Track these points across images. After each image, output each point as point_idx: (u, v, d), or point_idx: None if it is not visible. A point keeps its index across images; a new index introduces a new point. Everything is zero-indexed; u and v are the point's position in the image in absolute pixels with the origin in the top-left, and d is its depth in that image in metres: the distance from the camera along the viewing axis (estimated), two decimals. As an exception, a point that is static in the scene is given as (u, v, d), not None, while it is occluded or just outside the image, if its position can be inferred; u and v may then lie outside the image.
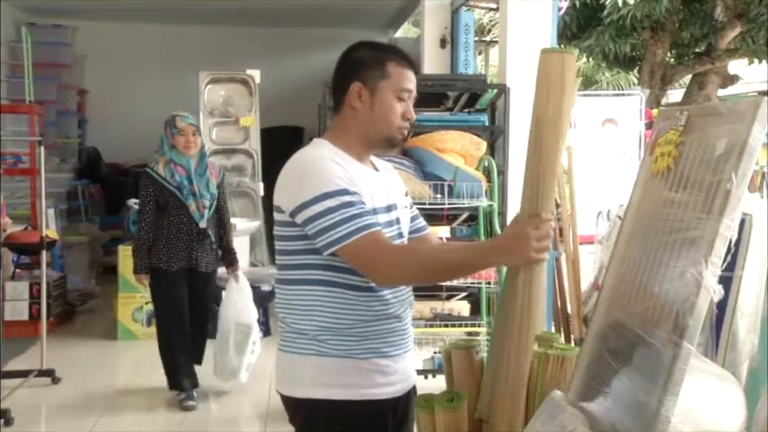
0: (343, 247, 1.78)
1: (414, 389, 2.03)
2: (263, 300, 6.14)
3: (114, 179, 9.42)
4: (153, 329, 6.03)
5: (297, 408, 1.94)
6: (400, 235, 1.99)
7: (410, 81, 1.95)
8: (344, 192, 1.80)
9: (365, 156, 1.99)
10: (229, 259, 4.76)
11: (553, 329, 3.93)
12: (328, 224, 1.78)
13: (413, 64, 1.99)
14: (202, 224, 4.48)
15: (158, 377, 4.73)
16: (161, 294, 4.59)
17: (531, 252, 1.68)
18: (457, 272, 1.97)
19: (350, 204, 1.79)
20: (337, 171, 1.83)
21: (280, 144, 8.86)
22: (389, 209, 1.96)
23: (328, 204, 1.78)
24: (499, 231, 3.94)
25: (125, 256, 6.12)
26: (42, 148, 5.26)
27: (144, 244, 4.45)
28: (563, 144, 1.75)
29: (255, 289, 6.07)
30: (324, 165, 1.84)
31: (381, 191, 1.96)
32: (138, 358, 5.81)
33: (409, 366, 2.02)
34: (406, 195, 2.10)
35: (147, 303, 6.07)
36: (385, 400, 1.91)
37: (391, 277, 1.84)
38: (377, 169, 2.02)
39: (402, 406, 1.96)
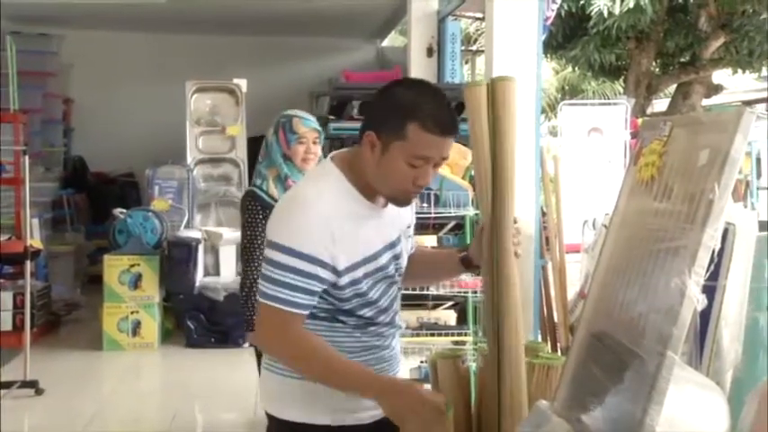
0: (261, 302, 1.77)
1: None
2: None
3: (100, 188, 9.38)
4: (137, 339, 6.04)
5: (281, 428, 1.91)
6: (399, 271, 1.94)
7: (431, 148, 1.72)
8: (307, 258, 1.72)
9: (373, 194, 1.83)
10: None
11: (540, 338, 3.94)
12: (268, 275, 1.75)
13: (446, 129, 1.72)
14: None
15: (144, 388, 4.69)
16: None
17: (408, 415, 1.67)
18: (333, 385, 1.82)
19: (299, 273, 1.73)
20: (319, 234, 1.73)
21: (266, 153, 8.89)
22: (393, 245, 1.89)
23: (283, 260, 1.73)
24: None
25: (110, 266, 6.11)
26: (27, 157, 5.22)
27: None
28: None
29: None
30: (312, 221, 1.73)
31: (386, 228, 1.87)
32: (123, 368, 5.76)
33: None
34: (408, 227, 2.01)
35: (132, 313, 6.04)
36: (371, 423, 1.89)
37: (267, 353, 1.88)
38: (386, 204, 1.88)
39: (387, 427, 1.95)
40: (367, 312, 1.86)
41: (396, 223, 1.92)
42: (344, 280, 1.79)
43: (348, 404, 1.85)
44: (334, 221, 1.75)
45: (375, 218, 1.84)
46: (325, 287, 1.78)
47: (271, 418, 1.94)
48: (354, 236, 1.79)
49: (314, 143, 3.24)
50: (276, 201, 3.09)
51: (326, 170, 1.85)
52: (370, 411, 1.88)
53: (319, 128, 3.31)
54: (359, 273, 1.81)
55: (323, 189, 1.79)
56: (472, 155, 1.87)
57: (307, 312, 1.77)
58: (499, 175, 1.83)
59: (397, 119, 1.71)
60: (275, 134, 3.27)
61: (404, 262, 1.96)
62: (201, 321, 6.11)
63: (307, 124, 3.23)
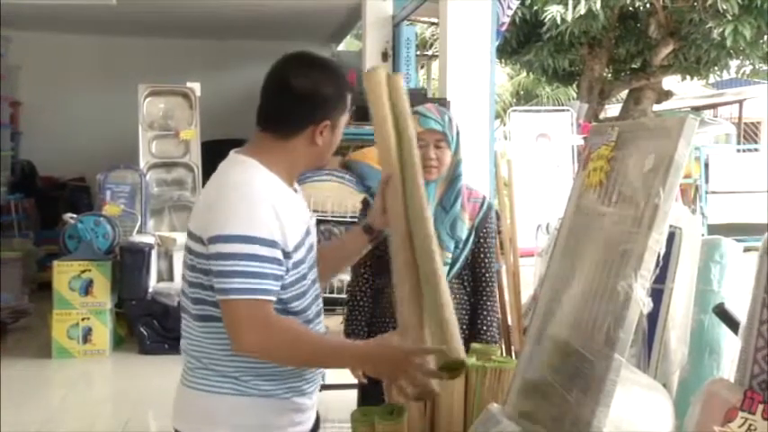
0: (230, 300, 1.67)
1: (317, 420, 1.99)
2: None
3: (50, 193, 9.20)
4: (89, 346, 5.93)
5: None
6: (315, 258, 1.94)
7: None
8: (264, 242, 1.68)
9: (292, 180, 1.87)
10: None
11: (494, 341, 3.96)
12: (226, 269, 1.66)
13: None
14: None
15: (95, 396, 4.61)
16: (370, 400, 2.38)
17: (402, 378, 1.69)
18: (321, 365, 1.91)
19: (261, 259, 1.67)
20: (267, 215, 1.70)
21: (220, 158, 8.77)
22: (308, 233, 1.88)
23: (241, 249, 1.66)
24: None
25: (60, 272, 5.98)
26: (-27, 161, 5.10)
27: (362, 315, 2.69)
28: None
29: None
30: (256, 203, 1.70)
31: (302, 216, 1.87)
32: (74, 377, 5.65)
33: (317, 400, 1.96)
34: (311, 218, 2.00)
35: (83, 320, 5.93)
36: None
37: (251, 353, 1.72)
38: (296, 191, 1.90)
39: None
40: (297, 305, 1.82)
41: (306, 212, 1.93)
42: (290, 262, 1.77)
43: (278, 420, 1.82)
44: (275, 201, 1.74)
45: (297, 203, 1.87)
46: (284, 271, 1.74)
47: None
48: (290, 217, 1.78)
49: (437, 147, 2.53)
50: None
51: (241, 161, 1.82)
52: (299, 427, 1.86)
53: (445, 129, 2.54)
54: (300, 253, 1.81)
55: (252, 175, 1.77)
56: (376, 131, 1.98)
57: (271, 299, 1.70)
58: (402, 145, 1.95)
59: (340, 99, 1.84)
60: None
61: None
62: (155, 328, 6.02)
63: (425, 124, 2.51)
